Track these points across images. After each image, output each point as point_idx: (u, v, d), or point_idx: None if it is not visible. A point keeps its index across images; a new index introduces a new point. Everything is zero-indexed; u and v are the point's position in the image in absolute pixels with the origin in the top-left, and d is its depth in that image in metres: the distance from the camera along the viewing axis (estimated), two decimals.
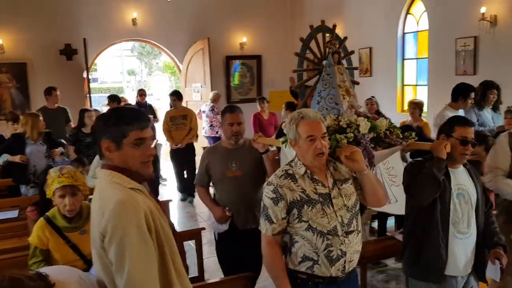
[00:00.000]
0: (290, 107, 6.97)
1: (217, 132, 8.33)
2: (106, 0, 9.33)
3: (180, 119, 7.52)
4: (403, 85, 8.16)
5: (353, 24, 8.81)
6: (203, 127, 8.58)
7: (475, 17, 6.35)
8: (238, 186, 3.39)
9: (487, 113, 5.22)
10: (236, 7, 10.30)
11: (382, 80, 8.32)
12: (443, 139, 2.67)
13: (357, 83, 3.57)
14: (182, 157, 7.57)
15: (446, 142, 2.60)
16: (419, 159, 2.74)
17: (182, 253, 3.48)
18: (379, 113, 6.16)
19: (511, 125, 4.33)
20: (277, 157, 4.01)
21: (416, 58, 7.89)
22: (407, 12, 7.88)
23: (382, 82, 8.25)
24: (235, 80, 10.71)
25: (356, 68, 3.78)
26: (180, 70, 10.53)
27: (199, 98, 9.87)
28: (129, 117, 1.82)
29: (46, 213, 2.79)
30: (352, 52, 3.61)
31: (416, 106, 6.04)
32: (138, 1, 9.48)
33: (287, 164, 2.39)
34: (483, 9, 6.21)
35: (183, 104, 8.01)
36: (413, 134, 2.92)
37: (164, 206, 4.44)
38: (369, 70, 8.65)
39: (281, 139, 2.94)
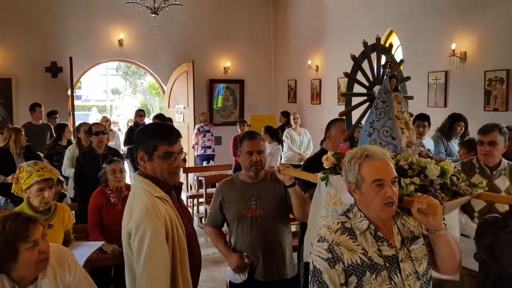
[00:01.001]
0: (269, 131, 7.17)
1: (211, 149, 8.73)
2: (94, 20, 9.50)
3: None
4: None
5: (334, 53, 9.16)
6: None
7: (446, 52, 6.70)
8: (258, 228, 2.88)
9: (454, 144, 5.47)
10: (221, 32, 10.58)
11: (358, 108, 8.59)
12: None
13: (412, 115, 2.89)
14: None
15: None
16: (496, 215, 2.36)
17: None
18: None
19: (464, 156, 4.42)
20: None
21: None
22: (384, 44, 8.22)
23: (358, 110, 8.51)
24: (219, 103, 10.91)
25: (411, 98, 3.02)
26: (164, 91, 10.69)
27: (182, 119, 10.01)
28: (161, 132, 2.10)
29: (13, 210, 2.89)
30: (409, 78, 3.00)
31: None
32: (126, 23, 9.66)
33: (342, 215, 1.91)
34: (453, 46, 6.56)
35: None
36: (484, 182, 2.42)
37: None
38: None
39: (320, 175, 2.45)
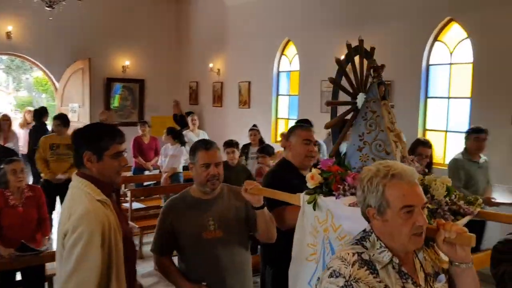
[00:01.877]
0: (171, 133, 7.13)
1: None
2: None
3: (65, 148, 5.95)
4: (276, 118, 8.89)
5: (235, 58, 9.46)
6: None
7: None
8: (219, 253, 2.44)
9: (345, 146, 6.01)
10: (120, 30, 10.26)
11: (259, 112, 8.96)
12: None
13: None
14: (57, 193, 5.95)
15: None
16: (506, 238, 2.15)
17: None
18: (262, 142, 6.66)
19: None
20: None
21: (289, 95, 8.70)
22: (282, 53, 8.69)
23: (259, 114, 8.88)
24: (115, 102, 10.56)
25: (392, 106, 2.70)
26: (56, 89, 10.06)
27: (76, 119, 9.51)
28: (112, 132, 2.09)
29: None
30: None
31: (285, 138, 6.65)
32: (16, 14, 8.95)
33: (356, 243, 1.56)
34: (342, 57, 7.14)
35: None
36: (480, 199, 2.10)
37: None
38: (247, 102, 9.28)
39: (305, 196, 2.14)
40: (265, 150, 5.82)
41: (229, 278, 2.45)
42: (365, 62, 2.39)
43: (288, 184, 2.52)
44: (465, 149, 4.69)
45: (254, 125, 7.06)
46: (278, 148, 7.05)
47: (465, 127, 5.56)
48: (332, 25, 7.40)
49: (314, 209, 2.08)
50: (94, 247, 1.90)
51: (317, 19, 7.69)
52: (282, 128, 8.70)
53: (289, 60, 8.60)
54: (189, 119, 8.26)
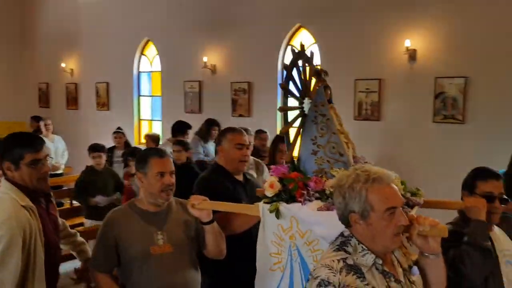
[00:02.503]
0: None
1: None
2: None
3: None
4: (139, 120, 8.69)
5: (91, 57, 8.97)
6: None
7: (199, 64, 7.44)
8: (168, 269, 2.24)
9: (211, 146, 6.17)
10: None
11: (119, 114, 8.65)
12: (466, 196, 2.22)
13: None
14: None
15: (483, 200, 2.13)
16: (451, 223, 2.25)
17: None
18: (128, 145, 6.44)
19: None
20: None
21: (151, 96, 8.57)
22: (142, 53, 8.53)
23: (120, 116, 8.57)
24: None
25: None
26: None
27: None
28: (25, 140, 2.13)
29: None
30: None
31: (150, 139, 6.58)
32: None
33: (338, 249, 1.57)
34: (205, 58, 7.35)
35: None
36: (421, 190, 2.22)
37: None
38: (106, 104, 8.88)
39: (265, 206, 2.09)
40: (135, 153, 5.63)
41: None
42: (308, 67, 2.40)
43: (223, 189, 2.51)
44: None
45: (119, 128, 6.85)
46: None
47: None
48: (192, 27, 7.52)
49: (278, 218, 2.04)
50: (14, 251, 1.97)
51: (177, 20, 7.73)
52: (146, 129, 8.55)
53: (150, 61, 8.48)
54: (41, 124, 7.56)
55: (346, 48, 6.12)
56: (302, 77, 2.38)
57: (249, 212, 2.22)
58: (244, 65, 7.10)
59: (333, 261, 1.51)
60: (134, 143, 8.40)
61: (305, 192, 1.99)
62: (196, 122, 6.47)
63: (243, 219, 2.36)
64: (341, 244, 1.57)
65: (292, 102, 2.47)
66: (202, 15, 7.44)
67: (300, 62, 2.39)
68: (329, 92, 2.29)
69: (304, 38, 6.70)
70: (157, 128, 8.37)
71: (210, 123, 6.18)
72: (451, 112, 5.37)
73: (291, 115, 2.47)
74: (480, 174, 2.25)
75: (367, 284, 1.48)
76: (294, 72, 2.40)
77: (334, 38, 6.23)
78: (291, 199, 2.03)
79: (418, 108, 5.56)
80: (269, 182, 2.09)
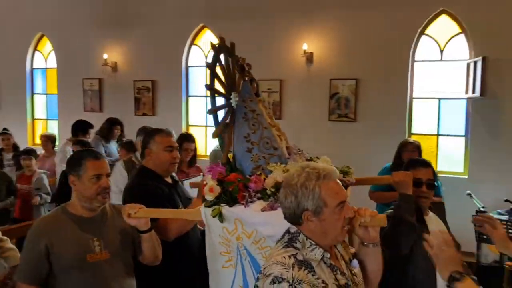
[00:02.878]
0: None
1: None
2: None
3: None
4: (33, 119, 8.11)
5: None
6: None
7: (99, 61, 7.15)
8: (105, 278, 2.12)
9: (113, 145, 5.97)
10: None
11: (11, 113, 8.01)
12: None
13: None
14: None
15: (409, 173, 2.27)
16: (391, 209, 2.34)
17: None
18: (16, 147, 5.98)
19: (124, 155, 5.01)
20: None
21: (46, 94, 8.04)
22: (35, 49, 7.96)
23: (11, 116, 7.94)
24: None
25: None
26: None
27: None
28: None
29: None
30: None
31: (48, 139, 6.18)
32: None
33: (287, 246, 1.58)
34: (105, 56, 7.08)
35: None
36: (351, 168, 2.28)
37: None
38: None
39: (206, 210, 2.04)
40: (30, 153, 5.24)
41: None
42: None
43: (159, 194, 2.44)
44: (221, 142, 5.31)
45: (5, 129, 6.32)
46: (39, 150, 6.52)
47: None
48: (91, 22, 7.22)
49: (221, 222, 1.99)
50: None
51: (74, 14, 7.37)
52: (41, 129, 8.00)
53: (45, 57, 7.96)
54: None
55: (248, 49, 6.29)
56: (226, 72, 2.28)
57: (191, 217, 2.18)
58: (147, 64, 6.97)
59: (284, 257, 1.51)
60: (27, 143, 7.84)
61: (246, 194, 1.95)
62: (96, 121, 6.21)
63: (180, 223, 2.33)
64: (289, 240, 1.58)
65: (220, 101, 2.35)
66: (101, 10, 7.17)
67: (222, 57, 2.28)
68: (255, 85, 2.23)
69: (208, 38, 6.78)
70: (53, 128, 7.88)
71: (112, 122, 5.97)
72: (344, 111, 5.80)
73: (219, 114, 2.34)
74: (411, 162, 2.49)
75: (318, 278, 1.50)
76: (217, 69, 2.28)
77: (237, 39, 6.34)
78: (233, 201, 1.99)
79: (315, 107, 5.92)
80: (208, 186, 2.01)
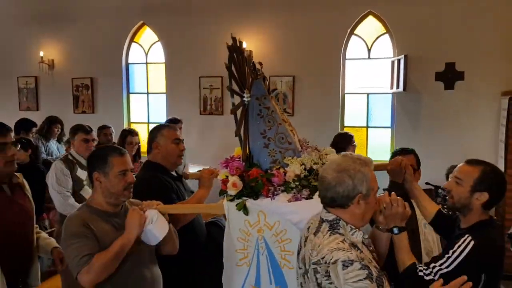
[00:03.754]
0: None
1: None
2: None
3: None
4: None
5: None
6: None
7: (34, 59, 6.93)
8: (138, 266, 2.20)
9: (53, 144, 5.86)
10: None
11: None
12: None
13: None
14: None
15: (399, 158, 2.42)
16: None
17: None
18: None
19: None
20: None
21: None
22: None
23: None
24: None
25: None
26: None
27: None
28: None
29: None
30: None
31: None
32: None
33: (332, 233, 1.68)
34: (41, 53, 6.88)
35: None
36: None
37: None
38: None
39: (230, 203, 2.12)
40: None
41: None
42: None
43: (169, 186, 2.53)
44: None
45: None
46: None
47: (163, 119, 6.36)
48: (25, 20, 6.98)
49: (247, 214, 2.09)
50: None
51: (8, 11, 7.08)
52: None
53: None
54: None
55: (189, 47, 6.41)
56: (240, 71, 2.32)
57: (214, 211, 2.28)
58: (86, 61, 6.87)
59: (339, 243, 1.62)
60: None
61: (271, 188, 2.05)
62: (33, 119, 6.06)
63: (190, 215, 2.46)
64: (331, 228, 1.70)
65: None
66: (36, 6, 6.94)
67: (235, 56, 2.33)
68: (267, 83, 2.33)
69: (148, 35, 6.80)
70: None
71: (51, 121, 5.86)
72: (283, 106, 6.08)
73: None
74: (395, 151, 2.78)
75: (364, 258, 1.62)
76: (233, 68, 2.32)
77: (177, 37, 6.46)
78: (255, 195, 2.08)
79: None
80: (232, 181, 2.10)
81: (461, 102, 5.46)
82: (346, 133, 4.72)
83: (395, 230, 1.89)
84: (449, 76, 5.46)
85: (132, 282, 2.15)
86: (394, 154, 2.73)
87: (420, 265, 1.92)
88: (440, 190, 2.43)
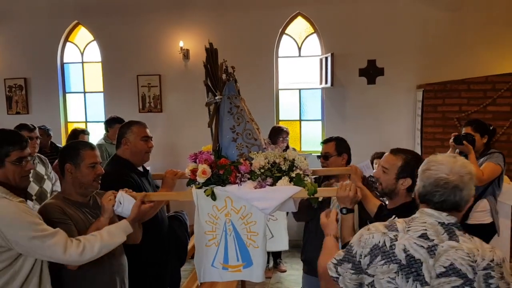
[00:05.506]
0: None
1: None
2: None
3: None
4: None
5: None
6: None
7: None
8: (112, 253, 2.28)
9: None
10: None
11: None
12: None
13: None
14: None
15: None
16: None
17: None
18: None
19: None
20: None
21: None
22: None
23: None
24: None
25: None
26: None
27: None
28: (12, 138, 2.07)
29: None
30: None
31: None
32: None
33: (466, 235, 1.62)
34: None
35: None
36: (306, 160, 2.51)
37: None
38: None
39: (198, 190, 2.28)
40: None
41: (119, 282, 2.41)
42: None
43: (132, 181, 2.64)
44: (106, 135, 5.38)
45: None
46: None
47: (102, 118, 6.30)
48: None
49: (214, 200, 2.26)
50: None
51: None
52: None
53: None
54: None
55: (126, 45, 6.39)
56: (214, 73, 2.51)
57: (182, 198, 2.43)
58: (19, 61, 6.64)
59: (482, 242, 1.61)
60: None
61: (239, 175, 2.23)
62: None
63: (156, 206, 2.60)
64: (460, 230, 1.62)
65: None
66: None
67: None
68: (237, 85, 2.55)
69: (83, 35, 6.68)
70: None
71: None
72: None
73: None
74: (322, 141, 3.09)
75: None
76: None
77: (113, 36, 6.42)
78: (223, 182, 2.26)
79: (194, 100, 6.26)
80: (201, 169, 2.26)
81: (382, 95, 5.92)
82: (276, 127, 4.95)
83: (343, 211, 2.16)
84: (371, 72, 5.91)
85: (103, 270, 2.30)
86: (323, 143, 3.06)
87: None
88: (370, 178, 2.76)
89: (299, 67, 6.37)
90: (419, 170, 1.72)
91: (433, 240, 1.57)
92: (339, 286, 1.73)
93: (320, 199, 2.24)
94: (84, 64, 6.81)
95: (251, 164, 2.25)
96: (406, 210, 2.06)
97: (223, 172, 2.24)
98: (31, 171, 2.27)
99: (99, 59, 6.56)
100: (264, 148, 2.38)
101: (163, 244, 2.86)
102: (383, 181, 2.25)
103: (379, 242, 1.62)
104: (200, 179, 2.25)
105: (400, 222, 1.66)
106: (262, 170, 2.21)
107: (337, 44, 5.92)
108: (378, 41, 5.85)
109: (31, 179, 3.74)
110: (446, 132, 5.27)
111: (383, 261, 1.59)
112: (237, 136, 2.37)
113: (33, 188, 3.76)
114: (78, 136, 4.84)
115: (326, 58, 5.87)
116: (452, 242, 1.56)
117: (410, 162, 2.20)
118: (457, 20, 5.68)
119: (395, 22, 5.81)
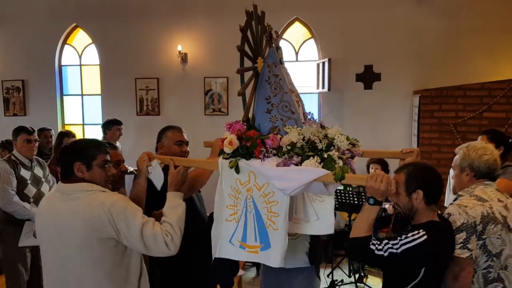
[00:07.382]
0: None
1: None
2: None
3: None
4: None
5: None
6: None
7: None
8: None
9: None
10: None
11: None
12: None
13: None
14: None
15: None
16: None
17: None
18: None
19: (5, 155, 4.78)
20: None
21: None
22: None
23: None
24: None
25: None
26: None
27: None
28: (98, 143, 2.19)
29: None
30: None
31: None
32: None
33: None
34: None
35: None
36: (359, 142, 2.35)
37: None
38: None
39: (225, 161, 2.12)
40: None
41: None
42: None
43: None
44: (104, 137, 5.29)
45: None
46: None
47: (99, 120, 6.21)
48: None
49: (237, 173, 2.08)
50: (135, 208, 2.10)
51: None
52: None
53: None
54: None
55: (124, 49, 6.32)
56: (255, 37, 2.33)
57: (209, 167, 2.32)
58: (16, 63, 6.55)
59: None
60: None
61: (264, 149, 2.03)
62: None
63: (205, 176, 2.55)
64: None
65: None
66: None
67: (253, 23, 2.34)
68: (280, 52, 2.33)
69: (82, 38, 6.60)
70: None
71: None
72: (218, 106, 6.18)
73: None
74: None
75: None
76: (248, 33, 2.32)
77: (111, 39, 6.35)
78: (249, 155, 2.07)
79: (192, 103, 6.20)
80: (228, 139, 2.09)
81: (379, 100, 5.87)
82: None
83: (371, 201, 1.96)
84: (368, 77, 5.85)
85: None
86: None
87: (374, 238, 1.97)
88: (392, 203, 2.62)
89: (296, 71, 6.31)
90: (474, 156, 2.32)
91: (502, 200, 2.27)
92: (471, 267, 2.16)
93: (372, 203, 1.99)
94: (82, 66, 6.73)
95: (281, 138, 2.05)
96: (433, 228, 2.00)
97: (250, 144, 2.06)
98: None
99: (97, 61, 6.48)
100: (303, 123, 2.16)
101: (202, 240, 2.59)
102: (400, 203, 2.10)
103: (483, 212, 2.17)
104: (227, 149, 2.09)
105: (480, 193, 2.27)
106: (289, 147, 1.99)
107: (334, 49, 5.87)
108: (375, 47, 5.80)
109: (28, 181, 3.72)
110: (443, 137, 5.22)
111: (493, 225, 2.16)
112: (272, 107, 2.17)
113: (31, 190, 3.74)
114: (62, 139, 4.73)
115: (323, 63, 5.82)
116: (509, 199, 2.31)
117: (413, 173, 2.05)
118: (453, 26, 5.64)
119: (392, 28, 5.76)
